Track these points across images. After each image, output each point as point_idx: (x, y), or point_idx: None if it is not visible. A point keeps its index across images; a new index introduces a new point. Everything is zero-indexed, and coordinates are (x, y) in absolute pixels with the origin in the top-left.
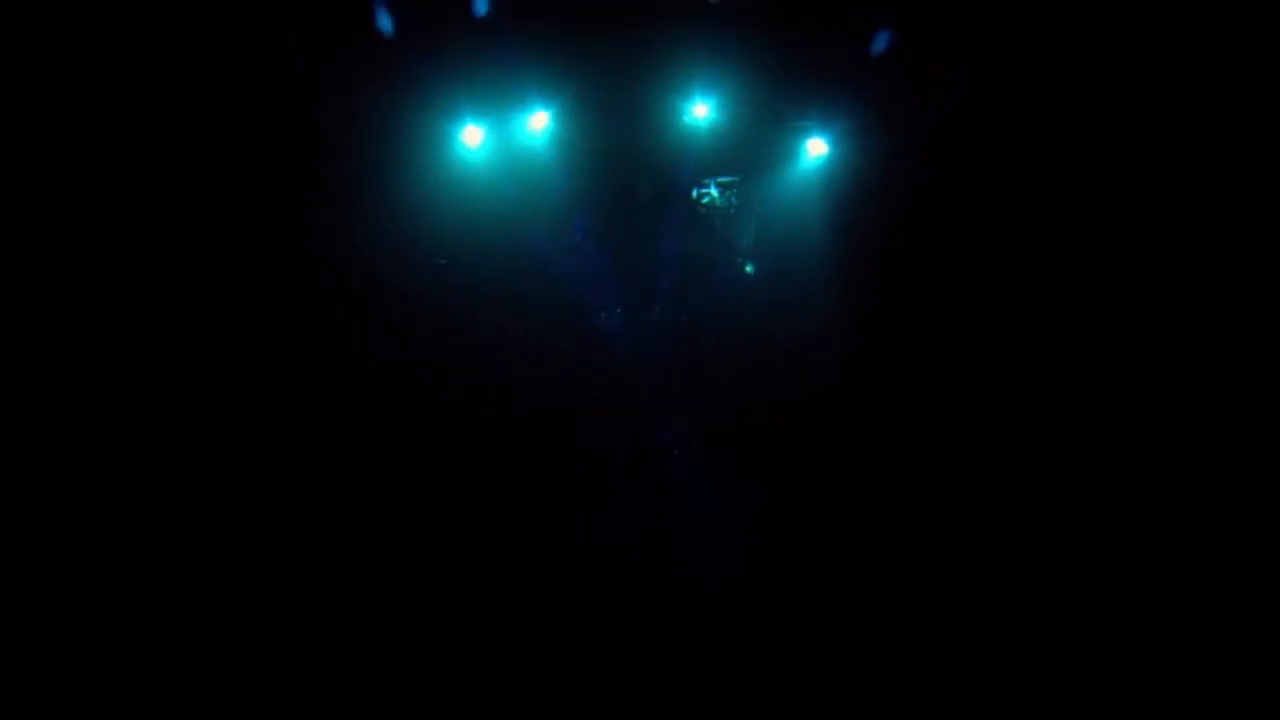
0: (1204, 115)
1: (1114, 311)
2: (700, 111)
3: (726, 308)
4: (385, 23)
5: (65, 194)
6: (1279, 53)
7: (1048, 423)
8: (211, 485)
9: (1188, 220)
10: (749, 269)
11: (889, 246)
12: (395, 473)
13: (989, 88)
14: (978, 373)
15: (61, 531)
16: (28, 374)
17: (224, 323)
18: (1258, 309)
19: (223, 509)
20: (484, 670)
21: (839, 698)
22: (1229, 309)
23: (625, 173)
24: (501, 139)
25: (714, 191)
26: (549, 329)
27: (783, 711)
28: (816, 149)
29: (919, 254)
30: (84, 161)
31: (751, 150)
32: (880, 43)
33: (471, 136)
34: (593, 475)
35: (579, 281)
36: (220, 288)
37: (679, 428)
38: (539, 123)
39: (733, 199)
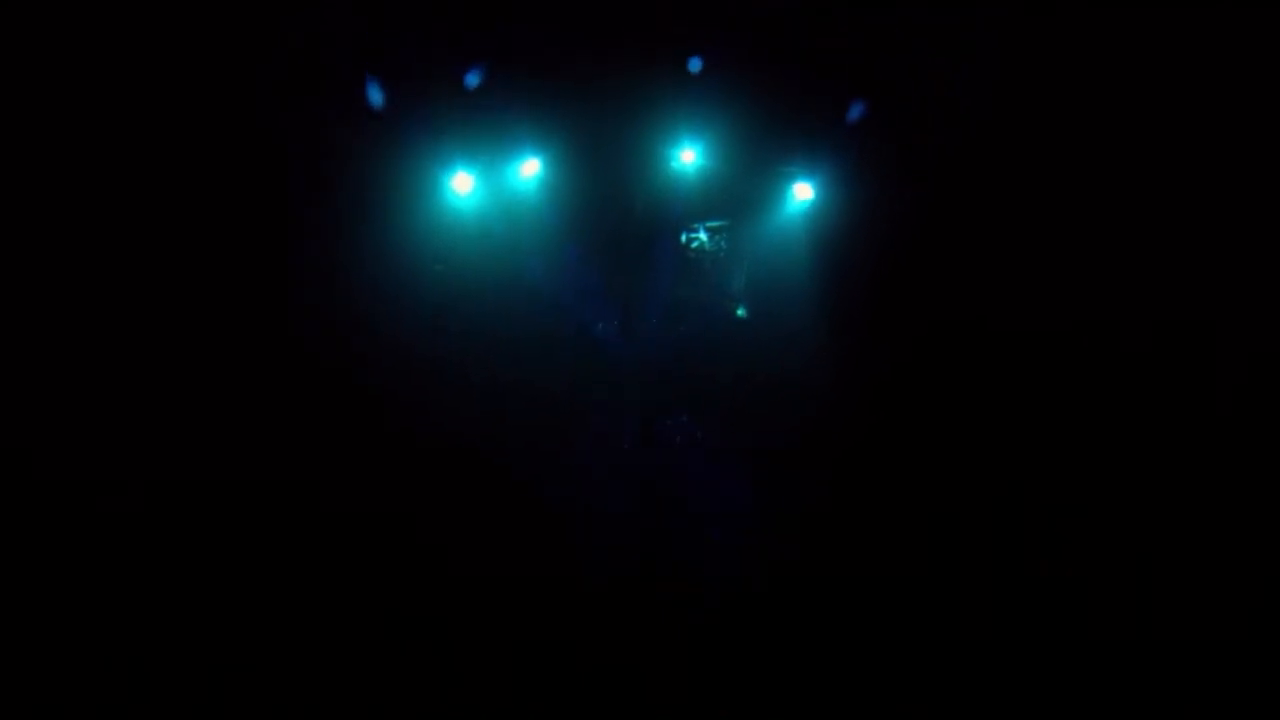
0: (1204, 115)
1: (1114, 313)
2: (688, 157)
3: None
4: (376, 96)
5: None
6: (1279, 53)
7: (1047, 424)
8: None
9: (1187, 221)
10: (741, 312)
11: (881, 273)
12: (395, 475)
13: (980, 112)
14: (979, 376)
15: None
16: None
17: (219, 357)
18: (1258, 308)
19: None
20: (484, 670)
21: (839, 698)
22: (1229, 309)
23: (615, 215)
24: (493, 186)
25: (703, 236)
26: (544, 336)
27: (783, 711)
28: (803, 193)
29: (921, 259)
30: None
31: (739, 194)
32: (855, 112)
33: (462, 184)
34: (592, 474)
35: (574, 296)
36: (212, 326)
37: (679, 419)
38: (530, 170)
39: (722, 243)
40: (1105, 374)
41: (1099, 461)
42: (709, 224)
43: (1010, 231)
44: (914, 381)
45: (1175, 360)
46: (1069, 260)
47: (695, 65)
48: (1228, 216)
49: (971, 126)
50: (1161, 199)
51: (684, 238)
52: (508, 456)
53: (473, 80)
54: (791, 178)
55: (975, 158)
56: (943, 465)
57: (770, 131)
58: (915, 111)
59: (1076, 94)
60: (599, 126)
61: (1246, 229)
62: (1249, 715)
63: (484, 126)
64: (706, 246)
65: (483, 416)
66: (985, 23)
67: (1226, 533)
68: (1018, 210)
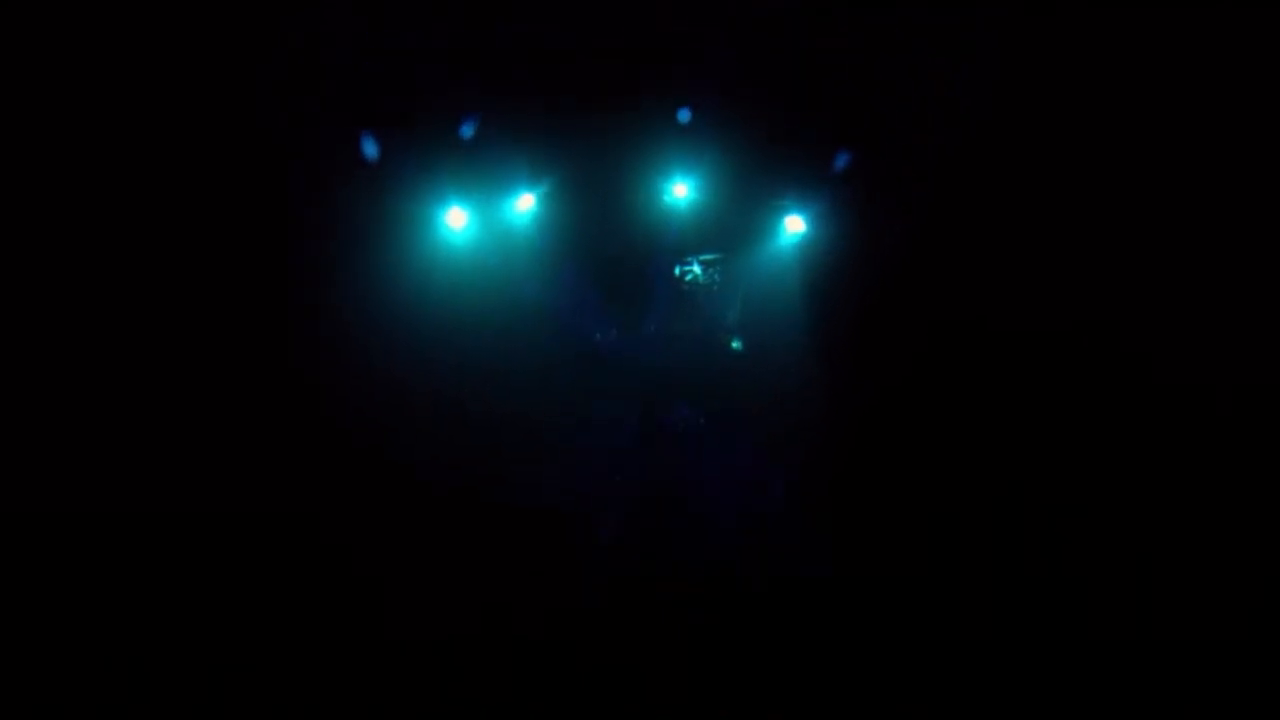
0: (1205, 115)
1: (1114, 314)
2: (680, 192)
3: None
4: (371, 149)
5: None
6: (1279, 53)
7: (1047, 424)
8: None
9: (1186, 221)
10: (736, 345)
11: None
12: (394, 475)
13: (980, 113)
14: (981, 377)
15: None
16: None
17: (215, 367)
18: (1258, 308)
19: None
20: (485, 670)
21: (839, 698)
22: (1229, 308)
23: (609, 249)
24: (487, 221)
25: (697, 269)
26: (545, 347)
27: (783, 711)
28: (794, 226)
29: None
30: None
31: (732, 228)
32: (840, 162)
33: (456, 219)
34: (592, 475)
35: (571, 309)
36: (208, 331)
37: (680, 410)
38: (524, 205)
39: (716, 276)
40: (1104, 375)
41: (1098, 464)
42: (702, 257)
43: (1008, 239)
44: (912, 405)
45: (1176, 359)
46: (1068, 263)
47: (684, 116)
48: (1228, 217)
49: (972, 127)
50: (1161, 199)
51: (677, 271)
52: (507, 458)
53: (467, 131)
54: (784, 210)
55: (974, 162)
56: (940, 471)
57: (762, 165)
58: (915, 112)
59: (1076, 95)
60: (592, 162)
61: (1247, 229)
62: (1249, 715)
63: (478, 162)
64: (700, 280)
65: (482, 421)
66: (985, 23)
67: (1227, 533)
68: (1016, 218)
